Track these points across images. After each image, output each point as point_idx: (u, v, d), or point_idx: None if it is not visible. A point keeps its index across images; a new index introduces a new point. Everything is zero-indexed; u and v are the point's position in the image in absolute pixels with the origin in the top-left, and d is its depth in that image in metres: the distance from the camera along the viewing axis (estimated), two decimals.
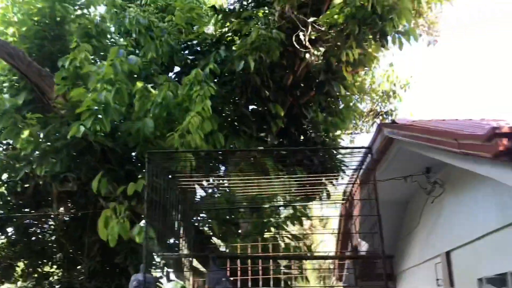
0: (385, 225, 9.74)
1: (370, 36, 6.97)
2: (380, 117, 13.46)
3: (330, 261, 14.32)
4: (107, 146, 6.61)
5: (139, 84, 6.89)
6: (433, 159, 6.27)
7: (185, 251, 5.17)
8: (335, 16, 6.51)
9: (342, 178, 8.50)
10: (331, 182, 8.17)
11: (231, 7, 9.52)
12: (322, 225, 18.73)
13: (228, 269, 4.81)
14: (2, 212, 11.14)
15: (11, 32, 7.38)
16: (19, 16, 7.36)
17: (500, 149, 3.76)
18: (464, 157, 4.86)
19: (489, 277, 6.26)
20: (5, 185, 10.50)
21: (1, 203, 10.94)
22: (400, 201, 9.26)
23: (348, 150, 4.43)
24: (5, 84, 7.39)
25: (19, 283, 11.81)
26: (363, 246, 4.72)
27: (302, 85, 8.84)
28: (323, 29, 7.08)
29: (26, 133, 6.22)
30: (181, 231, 4.81)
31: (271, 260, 5.17)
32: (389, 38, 6.87)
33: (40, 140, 6.60)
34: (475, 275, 6.49)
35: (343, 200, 6.01)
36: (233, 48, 8.36)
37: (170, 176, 4.40)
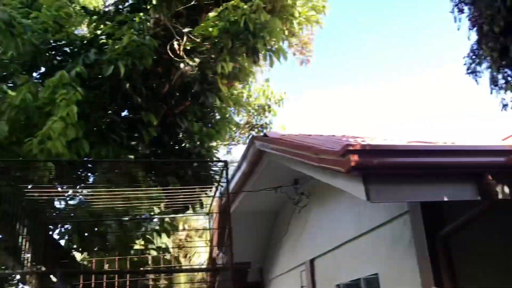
0: (257, 235, 10.08)
1: (243, 51, 7.14)
2: (256, 130, 13.87)
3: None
4: None
5: None
6: (300, 172, 6.60)
7: (33, 267, 4.74)
8: (210, 29, 6.56)
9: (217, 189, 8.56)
10: (205, 193, 8.17)
11: (106, 10, 9.14)
12: (199, 235, 18.64)
13: (81, 285, 4.51)
14: None
15: None
16: None
17: (352, 165, 4.02)
18: (323, 171, 5.16)
19: (345, 283, 6.73)
20: None
21: None
22: (271, 212, 9.60)
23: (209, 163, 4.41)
24: None
25: None
26: (223, 258, 4.79)
27: (177, 94, 8.75)
28: (198, 40, 7.09)
29: None
30: (27, 246, 4.39)
31: (128, 275, 4.94)
32: (261, 54, 7.09)
33: None
34: (334, 281, 6.94)
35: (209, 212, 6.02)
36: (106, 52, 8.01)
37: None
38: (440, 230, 4.66)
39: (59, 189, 6.23)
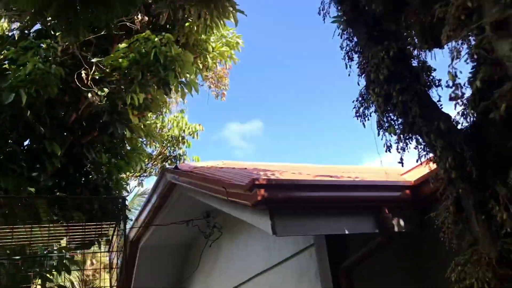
0: (167, 270, 9.77)
1: (154, 83, 7.11)
2: (169, 161, 13.69)
3: None
4: None
5: None
6: (212, 205, 6.58)
7: None
8: (120, 60, 6.46)
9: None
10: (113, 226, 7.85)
11: (10, 34, 8.68)
12: (107, 272, 17.71)
13: None
14: None
15: None
16: None
17: (258, 199, 4.11)
18: (232, 204, 5.20)
19: None
20: None
21: None
22: (182, 245, 9.39)
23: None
24: None
25: None
26: None
27: (84, 124, 8.43)
28: (107, 70, 6.94)
29: None
30: None
31: None
32: (172, 86, 7.10)
33: None
34: None
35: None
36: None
37: None
38: (343, 262, 4.85)
39: None
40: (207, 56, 8.61)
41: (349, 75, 3.56)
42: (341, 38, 3.80)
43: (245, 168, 7.32)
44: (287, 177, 5.30)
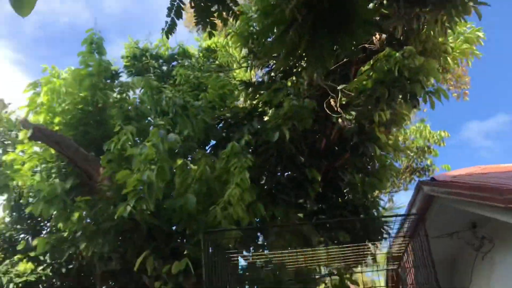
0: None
1: (400, 97, 7.10)
2: (417, 174, 13.32)
3: None
4: (152, 224, 6.74)
5: (179, 161, 7.12)
6: (478, 214, 6.15)
7: None
8: (364, 82, 6.69)
9: (386, 240, 8.35)
10: (376, 246, 8.02)
11: (260, 80, 9.89)
12: None
13: None
14: None
15: (57, 121, 7.86)
16: (63, 106, 7.85)
17: None
18: (510, 211, 4.78)
19: None
20: (50, 267, 10.69)
21: (46, 286, 11.08)
22: (446, 260, 8.94)
23: (398, 218, 4.38)
24: (53, 170, 7.76)
25: None
26: None
27: (336, 148, 8.93)
28: (353, 94, 7.26)
29: (76, 215, 6.44)
30: None
31: None
32: (419, 98, 6.97)
33: (87, 221, 6.81)
34: None
35: (390, 263, 5.87)
36: (265, 118, 8.61)
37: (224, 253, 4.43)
38: None
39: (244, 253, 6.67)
40: (447, 58, 8.20)
41: None
42: None
43: None
44: None
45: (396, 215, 5.51)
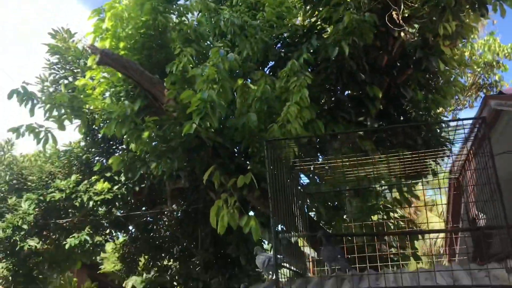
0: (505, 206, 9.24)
1: (468, 6, 6.69)
2: (484, 90, 12.74)
3: (440, 244, 13.85)
4: (217, 142, 7.04)
5: (240, 81, 7.25)
6: None
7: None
8: None
9: (448, 157, 8.26)
10: (435, 160, 7.96)
11: None
12: (429, 209, 18.10)
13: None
14: (123, 211, 12.27)
15: (122, 46, 8.12)
16: (127, 31, 8.06)
17: None
18: None
19: None
20: (124, 186, 11.55)
21: (122, 203, 12.04)
22: (510, 179, 8.76)
23: (458, 123, 4.32)
24: (121, 94, 8.16)
25: (144, 276, 12.89)
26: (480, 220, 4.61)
27: (398, 64, 8.68)
28: (416, 5, 6.91)
29: (146, 134, 6.84)
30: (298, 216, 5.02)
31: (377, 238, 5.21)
32: (489, 6, 6.53)
33: (156, 141, 7.23)
34: None
35: (452, 176, 5.87)
36: (324, 36, 8.43)
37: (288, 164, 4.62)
38: None
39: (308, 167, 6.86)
40: None
41: None
42: None
43: None
44: None
45: (455, 119, 5.40)
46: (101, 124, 8.88)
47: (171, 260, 14.24)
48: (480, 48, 12.29)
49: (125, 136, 7.01)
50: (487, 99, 7.57)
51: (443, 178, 5.94)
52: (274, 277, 3.87)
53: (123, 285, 13.39)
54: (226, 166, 7.30)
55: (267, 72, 8.90)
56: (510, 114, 6.70)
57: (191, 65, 7.16)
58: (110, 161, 8.05)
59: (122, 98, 7.95)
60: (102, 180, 11.21)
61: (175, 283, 12.09)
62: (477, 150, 4.01)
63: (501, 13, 6.38)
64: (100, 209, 11.44)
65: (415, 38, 7.61)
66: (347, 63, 7.53)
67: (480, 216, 4.25)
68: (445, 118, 10.67)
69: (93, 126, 11.48)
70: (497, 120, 7.52)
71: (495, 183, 3.23)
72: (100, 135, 11.70)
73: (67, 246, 10.99)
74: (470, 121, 3.84)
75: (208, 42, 8.95)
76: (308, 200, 7.28)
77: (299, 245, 5.19)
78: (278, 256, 3.87)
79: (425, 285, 3.36)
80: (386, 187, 7.09)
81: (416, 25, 7.40)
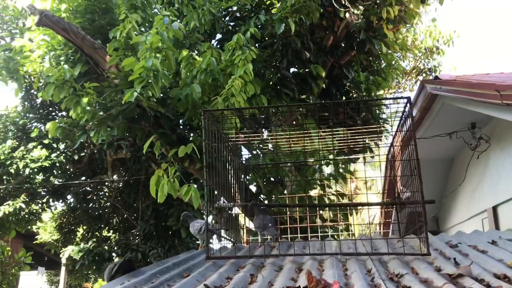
0: (431, 184, 9.84)
1: None
2: (424, 74, 13.29)
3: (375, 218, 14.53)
4: (159, 112, 6.96)
5: (184, 52, 7.17)
6: (478, 114, 6.30)
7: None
8: None
9: (386, 138, 8.63)
10: (373, 140, 8.29)
11: None
12: (369, 188, 18.88)
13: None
14: (61, 180, 11.95)
15: (64, 8, 7.79)
16: None
17: None
18: (507, 108, 4.91)
19: None
20: (63, 154, 11.23)
21: (60, 172, 11.73)
22: (444, 159, 9.28)
23: (386, 102, 4.52)
24: (61, 58, 7.86)
25: (81, 245, 12.70)
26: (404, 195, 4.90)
27: (342, 45, 8.87)
28: None
29: (85, 100, 6.65)
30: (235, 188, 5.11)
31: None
32: None
33: (96, 108, 7.05)
34: None
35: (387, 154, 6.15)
36: (273, 12, 8.47)
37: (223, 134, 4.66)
38: None
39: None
40: None
41: None
42: None
43: None
44: None
45: (384, 98, 5.65)
46: (39, 88, 8.53)
47: (111, 231, 14.12)
48: (423, 34, 12.79)
49: (63, 102, 6.78)
50: (423, 83, 7.90)
51: (378, 155, 6.19)
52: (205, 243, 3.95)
53: (60, 255, 13.12)
54: (168, 136, 7.26)
55: (215, 44, 8.86)
56: (444, 98, 7.03)
57: (135, 32, 7.00)
58: (47, 126, 7.78)
59: (62, 63, 7.67)
60: (39, 147, 10.85)
61: (113, 254, 11.98)
62: (402, 128, 4.24)
63: (440, 1, 6.66)
64: (37, 176, 11.11)
65: (359, 20, 7.80)
66: (293, 41, 7.62)
67: (404, 190, 4.52)
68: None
69: (31, 91, 11.03)
70: (433, 104, 7.90)
71: (415, 159, 3.44)
72: (38, 100, 11.26)
73: (0, 214, 10.63)
74: (398, 100, 4.01)
75: (156, 10, 8.75)
76: (249, 174, 7.41)
77: (235, 215, 5.31)
78: (210, 223, 3.95)
79: (345, 252, 3.57)
80: (323, 162, 7.32)
81: (361, 7, 7.58)
